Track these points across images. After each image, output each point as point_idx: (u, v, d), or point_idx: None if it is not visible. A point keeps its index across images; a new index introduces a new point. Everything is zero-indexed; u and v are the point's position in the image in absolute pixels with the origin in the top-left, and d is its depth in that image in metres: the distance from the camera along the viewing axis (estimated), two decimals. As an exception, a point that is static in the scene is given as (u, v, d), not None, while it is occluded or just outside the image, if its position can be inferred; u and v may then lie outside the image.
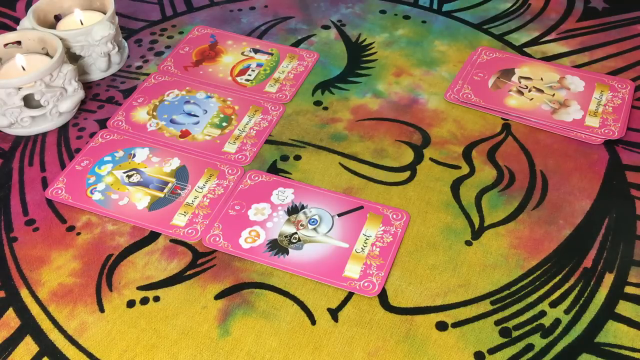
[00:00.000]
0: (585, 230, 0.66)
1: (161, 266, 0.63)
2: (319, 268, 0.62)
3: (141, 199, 0.68)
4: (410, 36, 0.89)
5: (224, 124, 0.77)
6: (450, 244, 0.65)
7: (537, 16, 0.93)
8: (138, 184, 0.70)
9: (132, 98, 0.80)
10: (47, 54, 0.78)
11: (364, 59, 0.86)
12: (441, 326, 0.58)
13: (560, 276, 0.62)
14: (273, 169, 0.72)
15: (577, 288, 0.61)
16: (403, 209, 0.67)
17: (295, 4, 0.95)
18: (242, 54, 0.86)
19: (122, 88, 0.82)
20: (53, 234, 0.66)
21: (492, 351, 0.57)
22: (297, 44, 0.88)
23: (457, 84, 0.81)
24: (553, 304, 0.60)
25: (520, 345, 0.57)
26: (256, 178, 0.70)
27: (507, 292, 0.61)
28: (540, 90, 0.80)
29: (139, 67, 0.85)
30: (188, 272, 0.62)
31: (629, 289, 0.61)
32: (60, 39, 0.76)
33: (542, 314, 0.59)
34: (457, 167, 0.72)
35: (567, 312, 0.59)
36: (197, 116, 0.77)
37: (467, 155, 0.73)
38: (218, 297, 0.60)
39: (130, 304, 0.60)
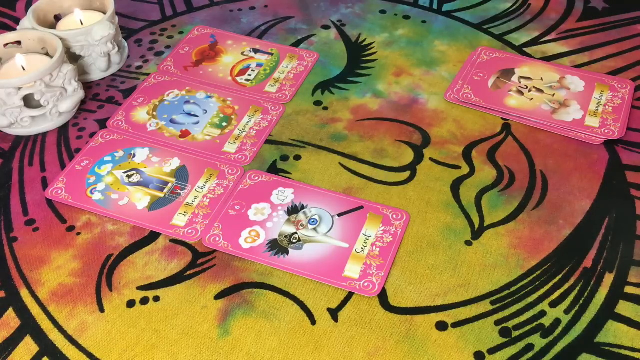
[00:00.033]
0: (585, 230, 0.66)
1: (161, 266, 0.63)
2: (319, 268, 0.62)
3: (141, 199, 0.68)
4: (410, 36, 0.89)
5: (224, 124, 0.77)
6: (450, 244, 0.65)
7: (537, 16, 0.92)
8: (138, 184, 0.70)
9: (132, 98, 0.80)
10: (47, 54, 0.78)
11: (364, 59, 0.86)
12: (441, 326, 0.58)
13: (560, 276, 0.62)
14: (273, 169, 0.72)
15: (577, 288, 0.61)
16: (403, 209, 0.67)
17: (295, 4, 0.95)
18: (242, 54, 0.86)
19: (122, 88, 0.82)
20: (53, 234, 0.66)
21: (492, 351, 0.57)
22: (297, 44, 0.88)
23: (457, 84, 0.81)
24: (553, 304, 0.60)
25: (520, 345, 0.57)
26: (256, 178, 0.70)
27: (507, 292, 0.61)
28: (540, 90, 0.80)
29: (139, 67, 0.85)
30: (188, 272, 0.62)
31: (629, 289, 0.61)
32: (60, 39, 0.76)
33: (542, 314, 0.59)
34: (457, 167, 0.72)
35: (567, 312, 0.59)
36: (197, 116, 0.77)
37: (467, 155, 0.73)
38: (218, 297, 0.60)
39: (130, 304, 0.60)
